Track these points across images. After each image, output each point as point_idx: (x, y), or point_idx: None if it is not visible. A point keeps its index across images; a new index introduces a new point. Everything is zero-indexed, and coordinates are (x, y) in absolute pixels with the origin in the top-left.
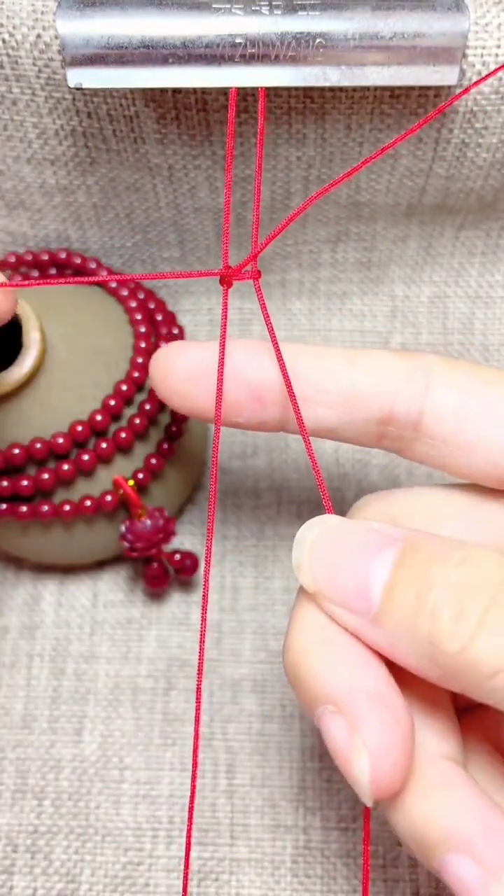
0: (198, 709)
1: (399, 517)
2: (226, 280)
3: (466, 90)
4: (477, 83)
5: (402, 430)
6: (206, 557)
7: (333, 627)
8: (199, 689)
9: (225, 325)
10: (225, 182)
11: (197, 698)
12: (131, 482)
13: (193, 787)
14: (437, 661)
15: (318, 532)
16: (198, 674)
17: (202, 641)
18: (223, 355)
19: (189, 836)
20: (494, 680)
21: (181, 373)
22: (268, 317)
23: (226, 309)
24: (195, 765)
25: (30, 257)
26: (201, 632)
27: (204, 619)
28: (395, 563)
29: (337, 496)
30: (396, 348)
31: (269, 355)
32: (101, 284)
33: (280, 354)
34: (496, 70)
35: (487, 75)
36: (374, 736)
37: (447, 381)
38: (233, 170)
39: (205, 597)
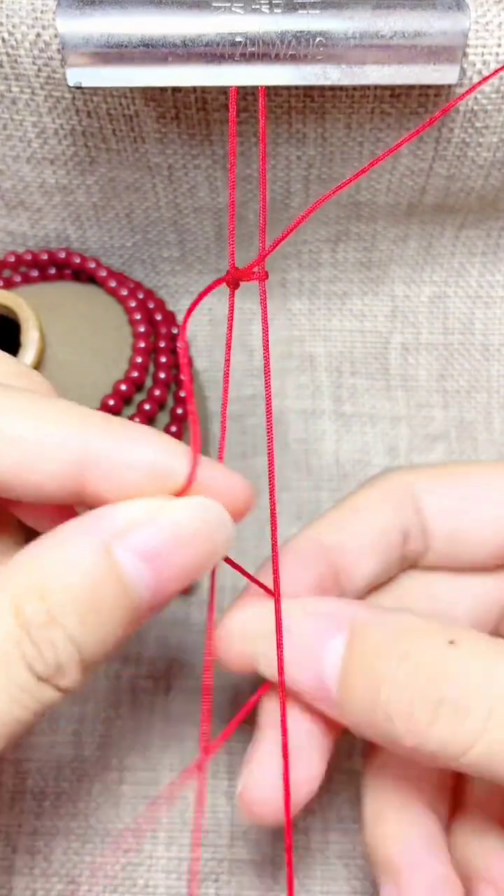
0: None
1: None
2: (233, 282)
3: (477, 85)
4: (487, 78)
5: (417, 546)
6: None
7: None
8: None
9: (231, 326)
10: (226, 182)
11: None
12: None
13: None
14: (398, 748)
15: (271, 623)
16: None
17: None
18: (229, 355)
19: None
20: (456, 762)
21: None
22: (266, 323)
23: (232, 311)
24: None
25: (29, 257)
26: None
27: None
28: (343, 655)
29: (337, 496)
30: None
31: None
32: (101, 284)
33: (267, 358)
34: (500, 69)
35: (493, 73)
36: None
37: (429, 490)
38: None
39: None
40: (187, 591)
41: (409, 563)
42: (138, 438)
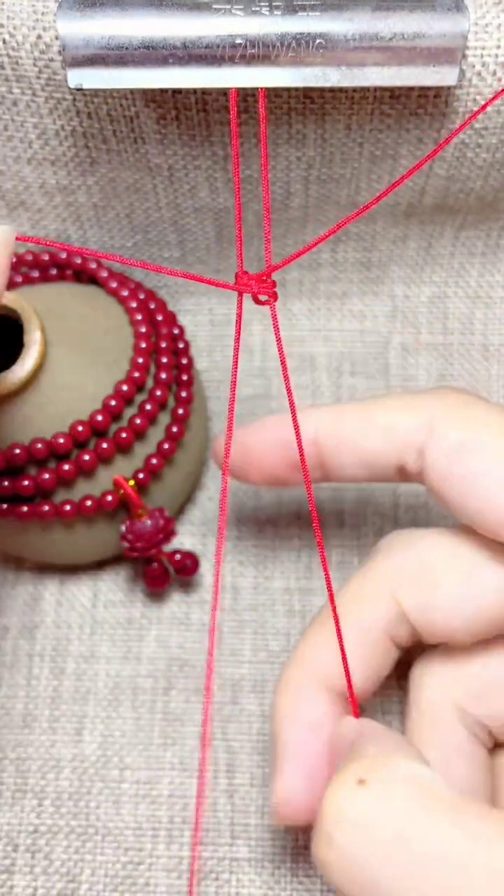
0: (206, 710)
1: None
2: (241, 290)
3: (498, 95)
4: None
5: (414, 478)
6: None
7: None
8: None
9: (239, 330)
10: (226, 182)
11: (206, 697)
12: (132, 482)
13: (202, 785)
14: None
15: None
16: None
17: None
18: (237, 358)
19: (196, 833)
20: None
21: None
22: (279, 340)
23: (240, 319)
24: (203, 762)
25: (30, 257)
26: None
27: (215, 611)
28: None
29: (337, 495)
30: (401, 392)
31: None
32: (103, 284)
33: (285, 366)
34: None
35: None
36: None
37: (443, 435)
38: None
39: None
40: (189, 573)
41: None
42: None
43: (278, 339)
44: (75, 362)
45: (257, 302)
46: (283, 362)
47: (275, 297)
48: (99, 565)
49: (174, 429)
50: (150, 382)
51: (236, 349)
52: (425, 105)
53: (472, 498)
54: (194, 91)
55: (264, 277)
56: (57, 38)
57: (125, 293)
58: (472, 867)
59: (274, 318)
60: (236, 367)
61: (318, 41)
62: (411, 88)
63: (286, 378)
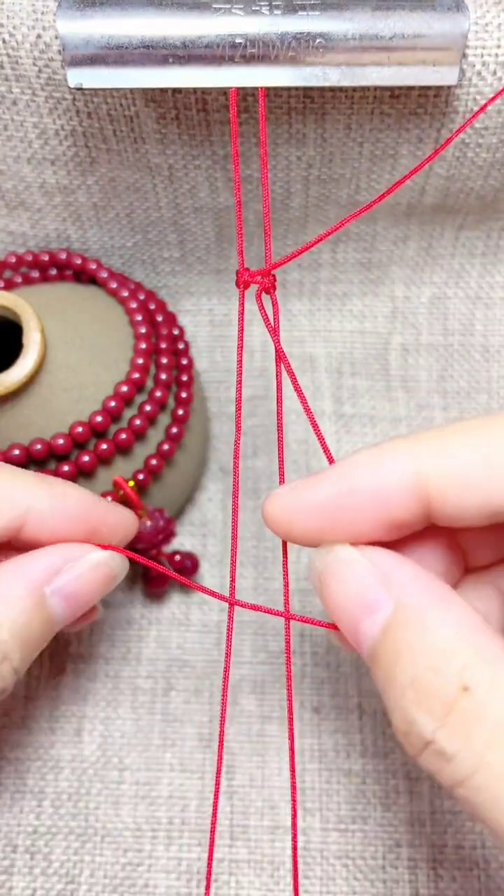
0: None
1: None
2: (242, 283)
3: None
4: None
5: None
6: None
7: None
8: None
9: (242, 326)
10: (226, 182)
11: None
12: (131, 483)
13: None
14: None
15: (327, 563)
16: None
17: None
18: (241, 356)
19: (213, 833)
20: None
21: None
22: (278, 333)
23: (242, 315)
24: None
25: (30, 257)
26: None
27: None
28: (380, 631)
29: None
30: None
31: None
32: (103, 285)
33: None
34: None
35: None
36: None
37: None
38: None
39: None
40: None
41: None
42: (70, 496)
43: (277, 328)
44: (75, 363)
45: (267, 292)
46: (286, 363)
47: (273, 281)
48: None
49: (174, 430)
50: (149, 383)
51: (240, 347)
52: (425, 105)
53: None
54: (194, 91)
55: (259, 277)
56: (57, 37)
57: (125, 294)
58: None
59: (276, 312)
60: (241, 364)
61: (318, 41)
62: (411, 88)
63: (294, 380)
